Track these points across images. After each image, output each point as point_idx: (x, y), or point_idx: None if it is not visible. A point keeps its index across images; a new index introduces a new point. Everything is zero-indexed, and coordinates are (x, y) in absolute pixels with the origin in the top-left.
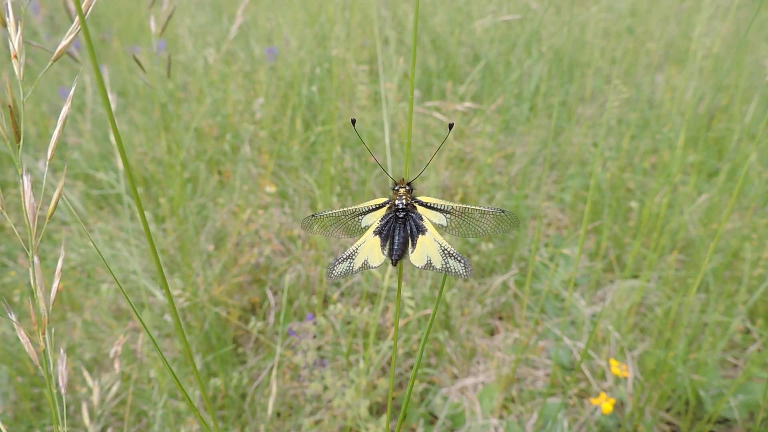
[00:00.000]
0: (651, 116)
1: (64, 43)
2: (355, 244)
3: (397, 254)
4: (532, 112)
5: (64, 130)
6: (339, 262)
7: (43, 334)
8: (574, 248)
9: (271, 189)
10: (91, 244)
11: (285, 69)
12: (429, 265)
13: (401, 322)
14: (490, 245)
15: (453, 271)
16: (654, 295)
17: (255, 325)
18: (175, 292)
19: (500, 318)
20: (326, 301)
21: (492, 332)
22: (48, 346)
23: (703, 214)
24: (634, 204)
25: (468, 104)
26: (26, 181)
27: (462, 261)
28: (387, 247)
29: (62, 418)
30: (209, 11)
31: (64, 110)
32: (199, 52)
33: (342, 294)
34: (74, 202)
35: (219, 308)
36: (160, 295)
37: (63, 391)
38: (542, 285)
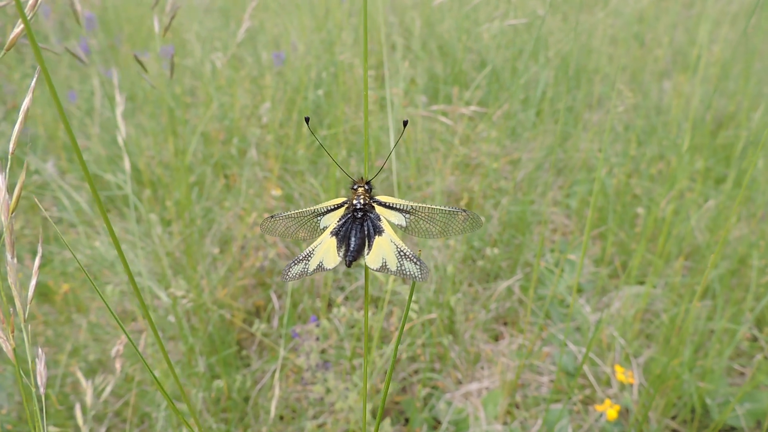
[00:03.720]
0: (658, 123)
1: (16, 31)
2: (311, 245)
3: (352, 256)
4: (538, 117)
5: (73, 132)
6: (295, 263)
7: (13, 332)
8: (579, 254)
9: (276, 193)
10: (96, 245)
11: (292, 74)
12: (384, 267)
13: (406, 326)
14: (495, 250)
15: (408, 273)
16: (660, 302)
17: (259, 327)
18: (179, 294)
19: (505, 323)
20: (330, 305)
21: (496, 337)
22: (27, 344)
23: (709, 220)
24: (640, 210)
25: (474, 108)
26: (0, 178)
27: (418, 263)
28: (342, 248)
29: (42, 418)
30: (217, 17)
31: (26, 102)
32: (206, 56)
33: (346, 298)
34: (81, 204)
35: (223, 311)
36: (164, 297)
37: (42, 390)
38: (547, 290)
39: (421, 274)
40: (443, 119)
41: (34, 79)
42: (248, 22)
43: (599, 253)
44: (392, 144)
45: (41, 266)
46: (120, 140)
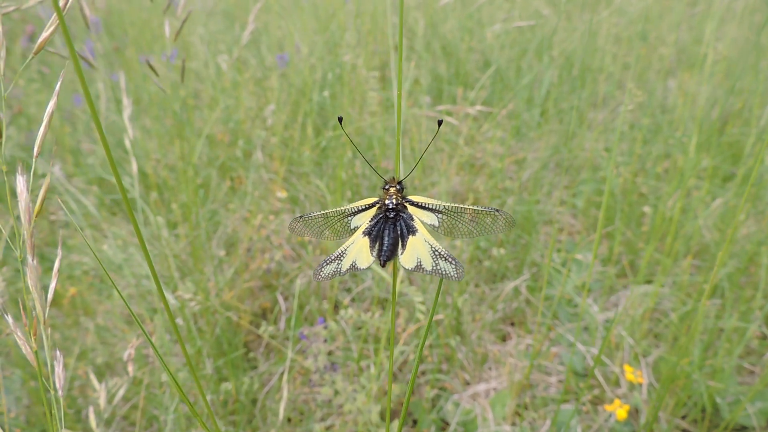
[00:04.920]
0: (663, 121)
1: (44, 35)
2: (344, 245)
3: (386, 255)
4: (543, 117)
5: (78, 137)
6: (327, 263)
7: (35, 335)
8: (586, 253)
9: (282, 195)
10: (104, 248)
11: (296, 76)
12: (419, 267)
13: (413, 328)
14: (502, 250)
15: (444, 272)
16: (668, 301)
17: (266, 329)
18: (187, 296)
19: (512, 324)
20: (337, 306)
21: (504, 338)
22: (45, 347)
23: (717, 218)
24: (647, 209)
25: (478, 108)
26: (21, 181)
27: (453, 262)
28: (376, 248)
29: (60, 420)
30: (221, 20)
31: (51, 105)
32: (211, 59)
33: (353, 299)
34: (89, 207)
35: (230, 313)
36: (172, 299)
37: (60, 393)
38: (554, 290)
39: (456, 273)
40: (448, 119)
41: (59, 84)
42: (252, 24)
43: (606, 252)
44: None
45: (50, 270)
46: (128, 143)
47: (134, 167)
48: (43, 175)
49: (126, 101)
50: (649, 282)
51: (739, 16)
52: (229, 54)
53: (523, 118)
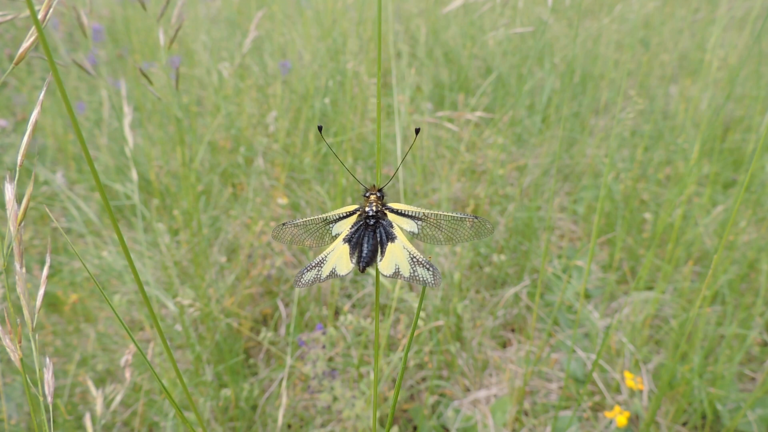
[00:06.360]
0: (665, 127)
1: (25, 45)
2: (324, 252)
3: (365, 262)
4: (544, 123)
5: (85, 144)
6: (307, 270)
7: (20, 342)
8: (587, 260)
9: (283, 201)
10: (104, 255)
11: (298, 83)
12: (397, 273)
13: (413, 334)
14: (502, 256)
15: (421, 279)
16: (669, 307)
17: (266, 336)
18: (186, 303)
19: (512, 330)
20: (337, 313)
21: (504, 344)
22: (34, 352)
23: (718, 225)
24: (648, 215)
25: (480, 114)
26: (9, 189)
27: (430, 269)
28: (356, 255)
29: (50, 428)
30: (224, 27)
31: (34, 114)
32: (214, 66)
33: (353, 305)
34: (90, 215)
35: (230, 319)
36: (171, 306)
37: (49, 399)
38: (555, 297)
39: (434, 279)
40: (449, 126)
41: (43, 92)
42: (255, 32)
43: (607, 258)
44: (398, 151)
45: (50, 276)
46: (127, 151)
47: (134, 175)
48: (45, 183)
49: (127, 109)
50: (650, 288)
51: (741, 23)
52: (231, 61)
53: (525, 125)
